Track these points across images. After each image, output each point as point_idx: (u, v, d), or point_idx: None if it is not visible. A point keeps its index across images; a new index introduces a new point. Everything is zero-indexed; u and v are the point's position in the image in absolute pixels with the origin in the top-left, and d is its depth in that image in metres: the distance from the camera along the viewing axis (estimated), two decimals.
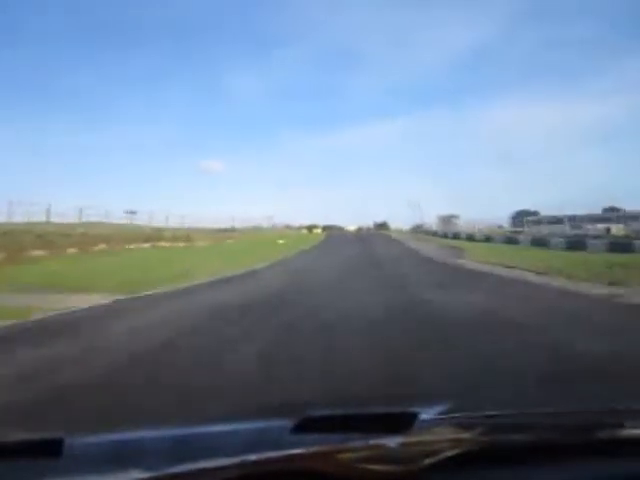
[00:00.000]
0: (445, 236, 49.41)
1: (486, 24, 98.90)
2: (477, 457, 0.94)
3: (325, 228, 73.89)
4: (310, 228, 75.54)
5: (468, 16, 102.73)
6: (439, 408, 1.10)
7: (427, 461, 0.90)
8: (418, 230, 64.87)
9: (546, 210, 44.19)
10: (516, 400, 1.59)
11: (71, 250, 21.32)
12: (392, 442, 0.92)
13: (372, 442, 0.92)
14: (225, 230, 47.70)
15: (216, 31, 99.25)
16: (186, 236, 33.19)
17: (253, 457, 0.86)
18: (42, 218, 27.36)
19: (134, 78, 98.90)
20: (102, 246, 23.48)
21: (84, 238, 23.18)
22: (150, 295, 10.49)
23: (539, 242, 28.62)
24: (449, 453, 0.92)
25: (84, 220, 30.50)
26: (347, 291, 10.91)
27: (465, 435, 0.98)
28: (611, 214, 37.54)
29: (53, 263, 17.23)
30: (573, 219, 39.21)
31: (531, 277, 13.15)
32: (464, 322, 6.80)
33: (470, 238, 39.64)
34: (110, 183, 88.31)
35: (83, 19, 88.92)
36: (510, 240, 33.25)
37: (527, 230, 41.41)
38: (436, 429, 1.01)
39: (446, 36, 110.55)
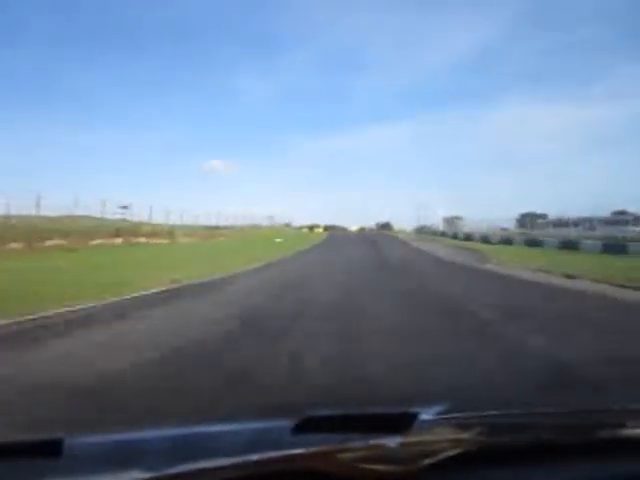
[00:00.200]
0: (455, 237, 46.87)
1: (490, 27, 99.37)
2: (477, 457, 0.94)
3: (327, 228, 72.29)
4: (312, 227, 73.70)
5: (471, 20, 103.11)
6: (439, 408, 1.08)
7: (427, 461, 0.89)
8: (422, 231, 63.46)
9: (551, 213, 43.13)
10: None
11: (14, 245, 17.44)
12: (392, 442, 0.92)
13: (372, 442, 0.92)
14: (218, 227, 43.83)
15: (221, 33, 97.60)
16: (168, 232, 29.35)
17: (253, 457, 0.85)
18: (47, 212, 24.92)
19: (140, 79, 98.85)
20: (58, 241, 19.55)
21: (39, 232, 19.28)
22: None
23: (568, 245, 26.10)
24: (449, 453, 0.91)
25: (71, 213, 26.86)
26: (360, 330, 6.14)
27: (465, 435, 0.97)
28: (621, 217, 35.51)
29: None
30: (588, 221, 37.55)
31: (628, 295, 9.47)
32: None
33: (485, 240, 37.10)
34: (112, 182, 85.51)
35: (91, 20, 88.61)
36: (533, 242, 30.39)
37: (539, 232, 39.07)
38: (436, 429, 1.00)
39: (450, 39, 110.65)
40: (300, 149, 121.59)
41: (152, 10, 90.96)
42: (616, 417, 1.12)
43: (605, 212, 36.65)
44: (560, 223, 39.65)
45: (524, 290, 10.92)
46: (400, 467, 0.89)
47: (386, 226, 73.33)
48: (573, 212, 37.57)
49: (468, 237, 42.67)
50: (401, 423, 0.96)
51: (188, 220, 41.08)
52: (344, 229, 71.21)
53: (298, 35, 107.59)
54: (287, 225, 76.05)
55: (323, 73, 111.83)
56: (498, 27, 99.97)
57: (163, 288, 9.97)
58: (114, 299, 8.37)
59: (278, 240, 40.75)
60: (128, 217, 31.86)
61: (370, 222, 78.50)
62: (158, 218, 35.27)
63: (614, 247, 21.80)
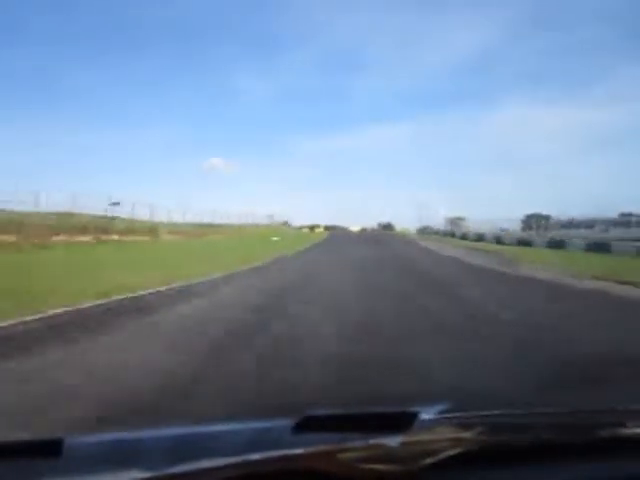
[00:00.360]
0: (463, 237, 44.80)
1: (491, 28, 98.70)
2: (477, 457, 0.94)
3: (327, 228, 70.97)
4: (312, 227, 72.39)
5: (472, 21, 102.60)
6: (439, 407, 1.08)
7: (427, 460, 0.89)
8: (425, 231, 62.58)
9: (552, 214, 41.99)
10: None
11: None
12: (392, 441, 0.91)
13: (372, 441, 0.92)
14: (211, 225, 40.75)
15: (221, 32, 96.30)
16: (150, 229, 26.26)
17: (253, 457, 0.85)
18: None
19: (140, 78, 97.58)
20: (6, 237, 16.43)
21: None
22: None
23: (597, 247, 23.63)
24: (449, 452, 0.91)
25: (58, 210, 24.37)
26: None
27: (465, 435, 0.97)
28: (630, 218, 33.68)
29: None
30: (603, 223, 35.62)
31: None
32: None
33: (498, 241, 35.00)
34: (112, 181, 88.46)
35: (91, 20, 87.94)
36: (555, 244, 27.76)
37: (556, 233, 36.43)
38: (436, 429, 1.00)
39: (451, 40, 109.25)
40: (301, 149, 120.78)
41: (152, 10, 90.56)
42: (616, 417, 1.11)
43: (605, 214, 35.16)
44: (573, 224, 37.65)
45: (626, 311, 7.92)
46: (400, 467, 0.89)
47: (388, 226, 72.14)
48: (573, 213, 36.82)
49: (480, 237, 40.04)
50: (401, 422, 0.95)
51: (181, 218, 39.37)
52: (345, 229, 69.86)
53: (298, 35, 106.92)
54: (285, 224, 73.59)
55: (323, 73, 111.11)
56: (499, 28, 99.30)
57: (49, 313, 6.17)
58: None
59: (275, 239, 38.01)
60: (119, 214, 29.75)
61: (371, 222, 77.47)
62: (155, 216, 33.41)
63: None
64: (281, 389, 3.52)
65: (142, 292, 8.32)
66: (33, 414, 2.94)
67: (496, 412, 1.12)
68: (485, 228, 43.27)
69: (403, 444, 0.91)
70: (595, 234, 30.99)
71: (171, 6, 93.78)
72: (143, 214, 32.29)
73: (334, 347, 4.90)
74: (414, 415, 0.99)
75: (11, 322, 5.54)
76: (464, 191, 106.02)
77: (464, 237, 44.05)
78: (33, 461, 0.88)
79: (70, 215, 23.02)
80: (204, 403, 3.22)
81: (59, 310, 6.39)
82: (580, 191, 76.23)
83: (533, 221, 41.12)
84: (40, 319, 5.86)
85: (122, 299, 7.59)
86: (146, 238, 24.90)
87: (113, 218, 28.45)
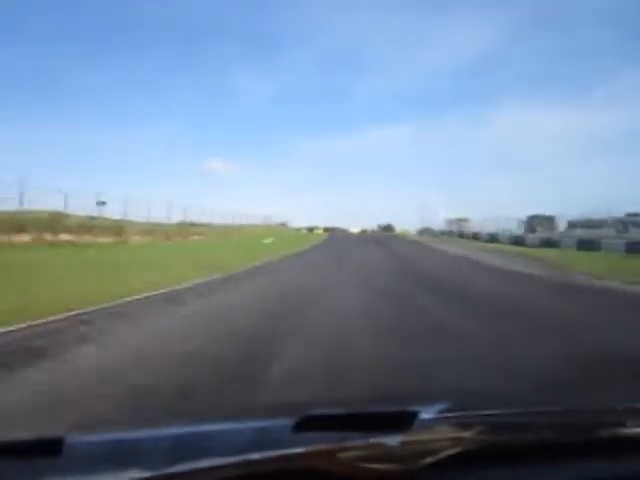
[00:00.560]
0: (475, 238, 42.26)
1: (492, 30, 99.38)
2: (477, 456, 0.93)
3: (327, 229, 69.60)
4: (311, 229, 71.01)
5: (474, 23, 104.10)
6: (439, 407, 1.08)
7: (427, 460, 0.89)
8: (426, 232, 61.58)
9: (554, 214, 40.63)
10: None
11: None
12: (392, 441, 0.91)
13: (372, 441, 0.91)
14: (194, 225, 36.90)
15: (221, 33, 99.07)
16: (116, 229, 22.41)
17: (253, 456, 0.85)
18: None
19: (141, 78, 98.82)
20: None
21: None
22: None
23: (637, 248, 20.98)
24: (449, 452, 0.91)
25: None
26: None
27: (465, 434, 0.97)
28: (637, 218, 32.39)
29: None
30: (621, 223, 33.34)
31: None
32: None
33: (516, 242, 32.22)
34: (112, 182, 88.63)
35: (91, 19, 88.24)
36: (585, 245, 25.02)
37: (572, 233, 34.35)
38: (436, 428, 0.99)
39: (452, 42, 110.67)
40: (301, 150, 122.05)
41: (152, 10, 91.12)
42: (616, 416, 1.11)
43: (604, 214, 33.97)
44: (589, 224, 34.97)
45: None
46: (400, 466, 0.88)
47: (388, 228, 71.10)
48: (572, 214, 36.11)
49: (492, 238, 36.54)
50: (401, 422, 0.95)
51: (169, 218, 36.03)
52: (344, 231, 68.80)
53: (298, 35, 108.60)
54: (283, 224, 70.15)
55: (324, 74, 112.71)
56: (501, 30, 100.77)
57: None
58: None
59: (268, 241, 34.06)
60: (105, 214, 27.26)
61: (371, 224, 77.02)
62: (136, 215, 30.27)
63: None
64: None
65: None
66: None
67: (496, 412, 1.11)
68: (490, 228, 41.89)
69: (403, 443, 0.91)
70: (620, 234, 28.67)
71: (171, 6, 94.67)
72: (132, 214, 29.97)
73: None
74: (414, 414, 0.99)
75: None
76: (464, 192, 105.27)
77: (475, 237, 41.21)
78: (33, 460, 0.87)
79: (29, 213, 19.55)
80: None
81: None
82: (579, 192, 75.91)
83: (536, 222, 39.48)
84: None
85: None
86: (108, 240, 21.16)
87: (93, 218, 25.44)
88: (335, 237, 47.49)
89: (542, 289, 10.97)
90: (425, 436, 0.95)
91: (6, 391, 3.56)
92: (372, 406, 1.36)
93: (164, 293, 8.68)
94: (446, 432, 0.98)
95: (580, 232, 32.74)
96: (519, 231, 38.44)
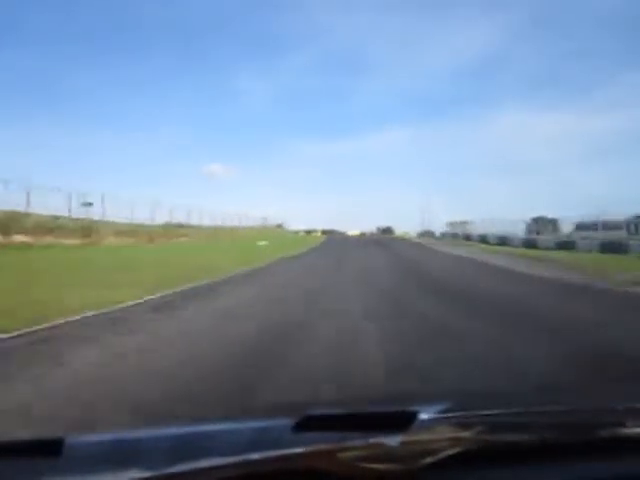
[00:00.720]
0: (481, 241, 40.06)
1: (494, 33, 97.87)
2: (477, 456, 0.93)
3: (325, 232, 68.51)
4: (309, 231, 69.88)
5: (475, 26, 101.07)
6: (439, 407, 1.08)
7: (427, 460, 0.89)
8: (427, 235, 61.33)
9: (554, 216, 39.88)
10: None
11: None
12: (392, 441, 0.91)
13: (372, 441, 0.91)
14: (182, 226, 34.34)
15: (221, 35, 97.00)
16: (86, 230, 19.77)
17: (253, 456, 0.85)
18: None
19: (140, 80, 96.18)
20: None
21: None
22: None
23: None
24: (449, 452, 0.91)
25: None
26: None
27: (465, 434, 0.97)
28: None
29: None
30: (634, 224, 31.98)
31: None
32: None
33: (529, 245, 30.53)
34: (111, 184, 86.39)
35: (90, 20, 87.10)
36: (612, 248, 23.10)
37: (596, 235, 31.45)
38: (436, 428, 0.99)
39: (453, 45, 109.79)
40: (300, 153, 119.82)
41: (152, 12, 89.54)
42: (616, 416, 1.10)
43: (612, 216, 32.24)
44: (606, 226, 32.45)
45: None
46: (400, 466, 0.88)
47: (387, 230, 69.85)
48: (572, 215, 34.94)
49: (502, 241, 34.45)
50: (401, 422, 0.95)
51: (161, 218, 34.14)
52: (343, 234, 67.74)
53: (299, 38, 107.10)
54: (280, 227, 67.71)
55: (324, 76, 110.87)
56: (502, 33, 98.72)
57: None
58: None
59: (262, 243, 31.89)
60: (92, 215, 25.36)
61: (371, 226, 75.78)
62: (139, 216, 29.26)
63: None
64: None
65: None
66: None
67: (496, 412, 1.11)
68: (494, 230, 40.96)
69: (403, 443, 0.91)
70: (630, 236, 27.58)
71: (171, 6, 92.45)
72: (121, 216, 28.18)
73: None
74: (414, 414, 0.98)
75: None
76: (464, 195, 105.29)
77: (483, 240, 39.23)
78: (33, 461, 0.87)
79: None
80: None
81: None
82: (579, 194, 74.88)
83: (540, 224, 38.77)
84: None
85: None
86: (75, 241, 18.65)
87: (76, 220, 23.42)
88: (333, 240, 45.29)
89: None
90: (425, 436, 0.94)
91: None
92: (372, 406, 1.38)
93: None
94: (446, 432, 0.97)
95: (597, 234, 30.85)
96: (530, 234, 37.06)
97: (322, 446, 0.89)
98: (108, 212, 27.20)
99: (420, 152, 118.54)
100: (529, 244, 30.69)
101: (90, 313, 6.63)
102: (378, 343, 5.22)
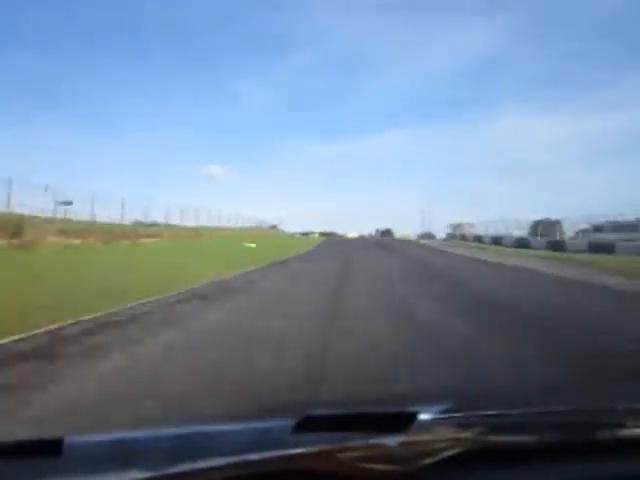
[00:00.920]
0: (495, 243, 37.95)
1: (496, 36, 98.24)
2: (477, 457, 0.93)
3: (323, 234, 66.77)
4: (306, 233, 67.70)
5: (474, 28, 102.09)
6: (439, 407, 1.07)
7: (427, 460, 0.88)
8: (427, 237, 61.40)
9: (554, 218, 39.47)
10: None
11: None
12: (392, 441, 0.90)
13: (372, 441, 0.91)
14: (155, 224, 30.35)
15: (222, 37, 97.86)
16: (15, 227, 15.89)
17: (253, 457, 0.85)
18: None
19: (140, 82, 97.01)
20: None
21: None
22: None
23: None
24: (449, 452, 0.90)
25: None
26: None
27: (465, 435, 0.96)
28: None
29: None
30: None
31: None
32: None
33: (556, 247, 28.51)
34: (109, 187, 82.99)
35: (89, 22, 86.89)
36: None
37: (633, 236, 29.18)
38: (436, 428, 0.99)
39: (454, 47, 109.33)
40: (299, 154, 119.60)
41: (151, 13, 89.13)
42: (617, 417, 1.09)
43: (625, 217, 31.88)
44: (626, 227, 30.99)
45: None
46: (400, 466, 0.88)
47: (387, 233, 68.64)
48: (574, 217, 34.74)
49: (522, 243, 31.15)
50: (401, 422, 0.94)
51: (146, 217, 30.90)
52: (342, 236, 66.09)
53: (298, 39, 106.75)
54: (274, 227, 63.74)
55: (323, 77, 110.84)
56: (503, 35, 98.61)
57: None
58: None
59: (251, 245, 28.34)
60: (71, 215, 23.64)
61: (370, 229, 74.71)
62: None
63: None
64: None
65: None
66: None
67: (496, 412, 1.10)
68: (499, 231, 40.71)
69: (403, 444, 0.91)
70: None
71: (171, 9, 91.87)
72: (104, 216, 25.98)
73: None
74: (414, 415, 0.98)
75: None
76: (464, 197, 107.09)
77: (497, 243, 37.47)
78: (33, 461, 0.87)
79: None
80: None
81: None
82: (578, 196, 75.92)
83: (543, 226, 38.52)
84: None
85: None
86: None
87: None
88: (332, 242, 42.08)
89: None
90: (425, 437, 0.94)
91: None
92: (372, 406, 1.37)
93: None
94: (446, 432, 0.97)
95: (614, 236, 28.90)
96: (534, 236, 36.40)
97: (322, 446, 0.88)
98: (89, 211, 25.07)
99: (420, 154, 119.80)
100: (555, 247, 28.77)
101: None
102: None
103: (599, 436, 1.01)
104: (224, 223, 46.96)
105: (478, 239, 43.37)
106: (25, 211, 20.35)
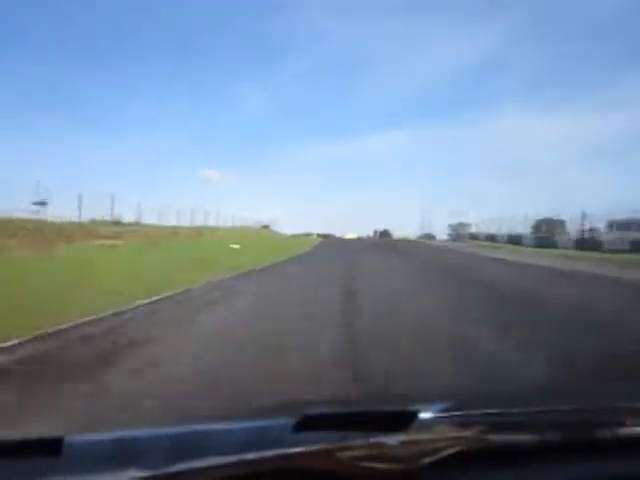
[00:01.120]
0: (510, 242, 35.42)
1: (494, 38, 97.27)
2: (477, 456, 0.93)
3: (320, 235, 64.72)
4: (304, 235, 65.31)
5: (473, 29, 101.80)
6: (439, 406, 1.06)
7: (427, 459, 0.88)
8: (427, 237, 61.24)
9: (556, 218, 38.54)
10: None
11: None
12: (392, 440, 0.90)
13: (372, 440, 0.90)
14: (118, 223, 26.06)
15: (220, 39, 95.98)
16: None
17: (252, 456, 0.84)
18: None
19: (138, 86, 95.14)
20: None
21: None
22: None
23: None
24: (449, 451, 0.90)
25: None
26: None
27: (465, 433, 0.96)
28: None
29: None
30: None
31: None
32: None
33: (584, 246, 26.13)
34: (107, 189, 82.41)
35: (86, 25, 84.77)
36: None
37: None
38: (436, 427, 0.98)
39: (453, 48, 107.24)
40: (297, 156, 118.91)
41: (150, 19, 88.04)
42: (617, 416, 1.09)
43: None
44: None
45: None
46: (400, 465, 0.87)
47: (385, 234, 67.76)
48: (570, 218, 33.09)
49: (545, 242, 28.13)
50: (401, 421, 0.94)
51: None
52: (340, 238, 64.08)
53: (296, 42, 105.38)
54: (266, 228, 59.64)
55: (322, 79, 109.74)
56: (502, 36, 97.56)
57: None
58: None
59: (234, 246, 24.77)
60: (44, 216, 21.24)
61: (368, 230, 73.34)
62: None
63: None
64: None
65: None
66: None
67: (496, 411, 1.10)
68: (501, 230, 40.38)
69: (403, 443, 0.90)
70: None
71: (171, 14, 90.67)
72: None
73: None
74: (414, 414, 0.97)
75: None
76: (463, 197, 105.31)
77: (514, 242, 34.65)
78: (33, 460, 0.86)
79: None
80: None
81: None
82: (577, 196, 75.12)
83: (549, 225, 37.99)
84: None
85: None
86: None
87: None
88: (329, 244, 38.79)
89: None
90: (425, 436, 0.94)
91: None
92: (372, 405, 1.37)
93: None
94: (446, 432, 0.96)
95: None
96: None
97: (322, 446, 0.88)
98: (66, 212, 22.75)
99: (419, 154, 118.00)
100: (584, 246, 26.31)
101: None
102: None
103: (600, 435, 1.00)
104: (211, 222, 42.93)
105: (491, 238, 41.47)
106: None
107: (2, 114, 62.33)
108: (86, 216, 25.27)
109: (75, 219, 24.28)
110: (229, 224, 47.46)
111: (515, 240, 34.94)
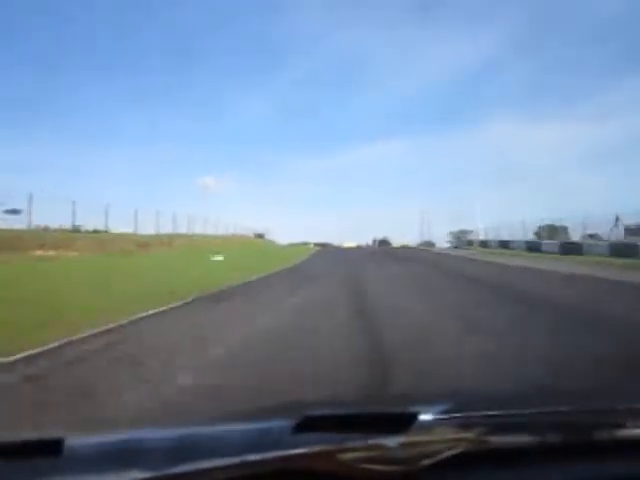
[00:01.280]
0: (534, 249, 32.73)
1: (492, 42, 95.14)
2: (477, 457, 0.93)
3: (318, 245, 62.28)
4: (302, 244, 62.78)
5: (471, 35, 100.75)
6: (439, 408, 1.07)
7: (427, 461, 0.88)
8: (427, 245, 60.85)
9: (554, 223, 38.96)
10: None
11: None
12: (392, 442, 0.90)
13: (372, 442, 0.90)
14: (76, 230, 22.53)
15: (216, 46, 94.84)
16: None
17: (253, 457, 0.84)
18: None
19: (135, 93, 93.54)
20: None
21: None
22: None
23: None
24: (449, 453, 0.90)
25: None
26: None
27: (465, 435, 0.96)
28: None
29: None
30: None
31: None
32: None
33: (620, 253, 23.34)
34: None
35: (83, 34, 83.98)
36: None
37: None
38: (436, 429, 0.99)
39: (450, 54, 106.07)
40: (295, 166, 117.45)
41: (148, 25, 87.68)
42: (617, 417, 1.09)
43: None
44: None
45: None
46: (400, 467, 0.87)
47: (384, 242, 66.84)
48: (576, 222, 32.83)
49: (571, 249, 27.66)
50: (401, 423, 0.94)
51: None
52: (338, 247, 62.04)
53: (292, 52, 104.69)
54: (260, 236, 56.16)
55: (318, 89, 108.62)
56: (500, 41, 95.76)
57: None
58: None
59: (217, 258, 21.68)
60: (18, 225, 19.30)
61: (366, 239, 71.95)
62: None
63: None
64: None
65: None
66: None
67: (496, 412, 1.10)
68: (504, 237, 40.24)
69: (403, 445, 0.90)
70: None
71: (167, 21, 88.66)
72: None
73: None
74: (414, 415, 0.97)
75: None
76: (462, 205, 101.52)
77: (533, 249, 32.37)
78: (33, 461, 0.86)
79: None
80: None
81: None
82: (575, 201, 74.72)
83: (550, 231, 37.59)
84: None
85: None
86: None
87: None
88: (327, 252, 36.64)
89: None
90: (425, 437, 0.94)
91: None
92: (372, 407, 1.36)
93: None
94: (446, 433, 0.96)
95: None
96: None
97: (322, 447, 0.88)
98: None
99: (418, 162, 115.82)
100: (620, 253, 23.77)
101: None
102: None
103: (600, 436, 1.00)
104: (199, 230, 39.66)
105: (504, 245, 39.70)
106: None
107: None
108: (54, 223, 22.59)
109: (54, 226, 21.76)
110: (222, 232, 45.06)
111: (535, 247, 32.95)
